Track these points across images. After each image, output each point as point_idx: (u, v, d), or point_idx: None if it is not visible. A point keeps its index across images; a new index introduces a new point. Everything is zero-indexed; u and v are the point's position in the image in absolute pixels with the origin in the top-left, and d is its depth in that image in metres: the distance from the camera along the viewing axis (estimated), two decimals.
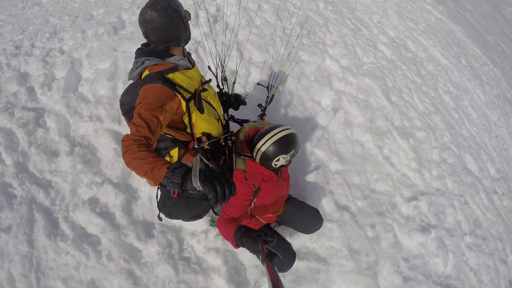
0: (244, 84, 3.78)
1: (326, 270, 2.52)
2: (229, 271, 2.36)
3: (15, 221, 2.19)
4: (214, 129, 1.97)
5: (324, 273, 2.50)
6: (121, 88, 3.29)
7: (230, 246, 2.48)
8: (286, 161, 1.88)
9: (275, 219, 2.33)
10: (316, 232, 2.68)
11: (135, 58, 1.73)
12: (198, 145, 1.88)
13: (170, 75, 1.65)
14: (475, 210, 3.51)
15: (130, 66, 3.43)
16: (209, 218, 2.60)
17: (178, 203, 1.99)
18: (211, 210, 2.49)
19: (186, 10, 1.74)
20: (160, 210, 2.10)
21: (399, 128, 3.84)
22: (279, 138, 1.80)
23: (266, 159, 1.84)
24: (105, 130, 2.93)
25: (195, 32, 3.91)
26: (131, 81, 1.84)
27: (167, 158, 1.93)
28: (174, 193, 1.89)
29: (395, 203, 3.18)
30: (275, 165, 1.87)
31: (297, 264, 2.47)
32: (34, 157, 2.62)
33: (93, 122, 2.97)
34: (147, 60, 1.66)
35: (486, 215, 3.54)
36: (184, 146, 1.89)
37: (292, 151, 1.85)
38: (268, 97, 2.71)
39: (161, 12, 1.59)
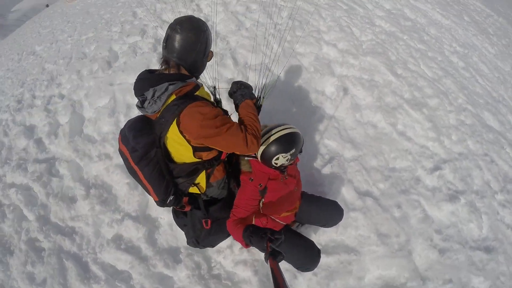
0: None
1: (358, 260, 2.47)
2: (260, 279, 2.35)
3: (48, 273, 2.28)
4: None
5: (356, 263, 2.45)
6: (123, 121, 3.34)
7: (257, 256, 2.47)
8: (286, 160, 1.83)
9: (293, 218, 2.28)
10: (340, 223, 2.63)
11: (150, 86, 1.54)
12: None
13: (198, 93, 1.62)
14: (503, 166, 3.32)
15: (128, 97, 3.57)
16: None
17: (210, 231, 1.94)
18: None
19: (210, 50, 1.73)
20: (195, 247, 2.07)
21: (410, 100, 3.66)
22: (278, 136, 1.79)
23: (266, 158, 1.83)
24: (115, 167, 2.97)
25: None
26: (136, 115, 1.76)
27: (193, 189, 1.83)
28: (207, 225, 1.88)
29: (418, 177, 3.05)
30: (276, 163, 1.84)
31: (327, 259, 2.45)
32: (53, 208, 2.71)
33: (103, 161, 3.02)
34: (171, 85, 1.52)
35: None
36: (209, 165, 1.77)
37: (293, 150, 1.82)
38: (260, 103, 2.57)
39: (198, 33, 1.58)
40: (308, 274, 2.37)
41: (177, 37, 1.55)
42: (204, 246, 2.10)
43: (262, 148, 1.82)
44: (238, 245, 2.53)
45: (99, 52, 4.28)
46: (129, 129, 1.67)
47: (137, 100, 1.61)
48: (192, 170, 1.72)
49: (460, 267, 2.50)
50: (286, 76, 3.84)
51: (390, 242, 2.54)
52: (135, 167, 1.62)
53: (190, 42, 1.56)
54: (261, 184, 1.86)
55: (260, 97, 2.42)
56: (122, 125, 3.29)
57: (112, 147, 3.10)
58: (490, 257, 2.60)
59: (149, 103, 1.54)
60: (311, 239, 2.42)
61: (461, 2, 7.71)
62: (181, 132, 1.55)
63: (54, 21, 6.92)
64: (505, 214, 2.90)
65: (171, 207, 2.03)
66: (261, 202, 1.93)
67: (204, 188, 1.83)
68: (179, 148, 1.64)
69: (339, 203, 2.37)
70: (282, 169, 1.92)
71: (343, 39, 4.38)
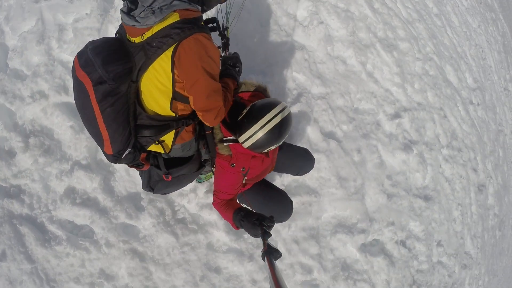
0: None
1: (318, 201, 2.66)
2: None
3: (5, 244, 2.04)
4: None
5: (316, 205, 2.65)
6: (56, 48, 2.61)
7: None
8: (278, 145, 1.62)
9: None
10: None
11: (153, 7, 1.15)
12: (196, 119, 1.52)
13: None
14: (453, 123, 3.63)
15: (60, 16, 2.70)
16: None
17: (169, 183, 1.75)
18: None
19: None
20: (149, 191, 1.86)
21: (383, 39, 3.48)
22: (274, 126, 1.49)
23: (257, 148, 1.57)
24: (54, 107, 2.43)
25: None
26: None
27: (155, 146, 1.54)
28: (167, 178, 1.66)
29: (378, 121, 3.17)
30: (268, 150, 1.64)
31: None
32: None
33: (38, 101, 2.43)
34: (177, 0, 1.17)
35: (462, 126, 3.68)
36: (182, 124, 1.48)
37: (286, 136, 1.60)
38: (224, 34, 2.10)
39: None
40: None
41: None
42: (157, 193, 1.90)
43: (253, 139, 1.52)
44: (202, 189, 2.48)
45: None
46: (96, 51, 1.23)
47: (123, 2, 1.19)
48: (162, 126, 1.43)
49: (402, 212, 2.91)
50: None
51: (348, 185, 2.75)
52: (95, 106, 1.23)
53: None
54: (244, 167, 1.68)
55: (226, 27, 2.06)
56: (55, 53, 2.64)
57: (46, 83, 2.47)
58: (427, 205, 3.05)
59: (143, 10, 1.14)
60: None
61: None
62: (172, 65, 1.21)
63: None
64: (446, 168, 3.29)
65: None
66: (244, 180, 1.78)
67: (169, 148, 1.55)
68: (156, 91, 1.31)
69: (306, 145, 2.35)
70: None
71: None
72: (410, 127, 3.23)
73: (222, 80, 1.61)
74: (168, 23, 1.17)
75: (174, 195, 2.45)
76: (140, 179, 2.10)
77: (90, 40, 1.37)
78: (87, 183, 2.30)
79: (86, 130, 1.75)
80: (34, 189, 2.24)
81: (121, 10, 1.22)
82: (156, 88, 1.30)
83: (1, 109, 2.42)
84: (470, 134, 3.82)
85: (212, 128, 1.66)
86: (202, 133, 1.65)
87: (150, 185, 1.74)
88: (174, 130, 1.46)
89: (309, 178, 2.73)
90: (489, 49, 5.87)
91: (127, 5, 1.19)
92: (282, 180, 2.68)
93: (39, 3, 2.69)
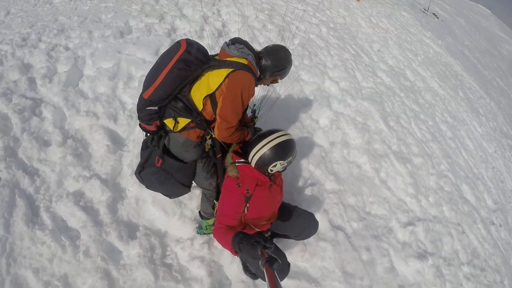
0: None
1: None
2: (213, 284, 2.20)
3: None
4: None
5: None
6: (121, 88, 3.28)
7: (216, 257, 2.35)
8: (282, 168, 1.83)
9: (269, 226, 2.21)
10: (307, 250, 2.57)
11: (244, 44, 1.89)
12: (210, 129, 1.92)
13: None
14: (473, 240, 3.42)
15: (132, 69, 3.57)
16: (196, 225, 2.48)
17: (156, 174, 1.95)
18: (199, 213, 2.41)
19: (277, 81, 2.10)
20: (137, 172, 2.01)
21: (397, 152, 3.83)
22: (278, 143, 1.76)
23: (263, 163, 1.79)
24: (100, 127, 2.87)
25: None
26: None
27: (169, 121, 1.87)
28: (158, 162, 1.91)
29: (391, 227, 3.10)
30: (271, 170, 1.81)
31: (287, 282, 2.35)
32: (25, 143, 2.53)
33: (89, 117, 2.92)
34: (250, 56, 1.85)
35: (484, 245, 3.43)
36: (198, 122, 1.87)
37: (290, 158, 1.81)
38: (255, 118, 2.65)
39: (290, 58, 2.01)
40: None
41: (274, 46, 2.01)
42: (142, 180, 2.04)
43: (259, 154, 1.78)
44: (200, 240, 2.40)
45: (115, 22, 4.31)
46: (198, 44, 1.84)
47: (230, 40, 1.92)
48: (188, 108, 1.83)
49: None
50: (287, 97, 3.98)
51: (353, 282, 2.48)
52: (172, 61, 1.73)
53: (276, 55, 1.95)
54: (249, 190, 1.82)
55: (255, 116, 2.57)
56: (119, 91, 3.27)
57: (103, 108, 3.01)
58: None
59: (236, 47, 1.85)
60: None
61: (458, 77, 8.33)
62: (225, 78, 1.75)
63: None
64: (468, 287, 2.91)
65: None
66: (246, 208, 1.87)
67: (178, 129, 1.86)
68: (204, 85, 1.80)
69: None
70: (271, 176, 1.91)
71: (345, 79, 4.65)
72: (425, 237, 3.07)
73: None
74: (240, 61, 1.80)
75: (171, 239, 2.39)
76: (146, 212, 2.45)
77: None
78: (97, 194, 2.38)
79: (118, 152, 2.62)
80: (49, 178, 2.38)
81: (225, 42, 1.91)
82: (207, 83, 1.80)
83: (58, 110, 2.89)
84: (494, 255, 3.43)
85: (224, 153, 1.98)
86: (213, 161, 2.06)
87: (144, 165, 1.96)
88: (190, 120, 1.85)
89: (311, 266, 2.54)
90: (508, 173, 5.77)
91: (230, 43, 1.90)
92: None
93: (120, 53, 3.58)
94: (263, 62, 1.94)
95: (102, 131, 2.81)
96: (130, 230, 2.32)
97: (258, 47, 4.54)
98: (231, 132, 1.86)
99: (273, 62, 1.94)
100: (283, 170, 1.91)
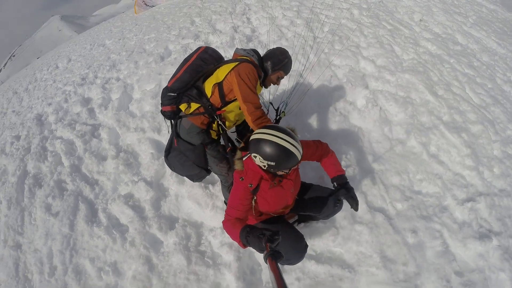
0: (270, 90, 3.87)
1: (352, 279, 2.23)
2: (241, 268, 2.31)
3: (63, 208, 2.61)
4: (235, 119, 2.35)
5: (348, 282, 2.22)
6: None
7: None
8: (262, 164, 1.68)
9: (288, 211, 2.20)
10: (341, 234, 2.44)
11: (252, 50, 2.29)
12: (217, 116, 2.20)
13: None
14: None
15: None
16: None
17: (177, 156, 2.35)
18: (224, 203, 2.60)
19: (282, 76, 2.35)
20: (165, 157, 2.45)
21: (448, 122, 3.33)
22: (276, 142, 1.58)
23: (251, 147, 1.68)
24: (146, 139, 3.34)
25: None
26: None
27: (183, 105, 2.24)
28: (175, 142, 2.30)
29: (446, 206, 2.69)
30: (254, 156, 1.69)
31: (316, 267, 2.29)
32: (87, 161, 3.15)
33: (138, 132, 3.44)
34: (253, 57, 2.24)
35: None
36: (207, 109, 2.18)
37: (273, 163, 1.63)
38: (277, 115, 2.77)
39: (287, 54, 2.30)
40: (290, 277, 2.24)
41: (272, 48, 2.35)
42: (170, 164, 2.46)
43: (256, 136, 1.67)
44: None
45: (157, 49, 4.96)
46: (213, 49, 2.32)
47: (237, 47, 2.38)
48: (200, 94, 2.19)
49: None
50: (318, 85, 3.88)
51: (394, 268, 2.25)
52: (193, 57, 2.21)
53: (273, 53, 2.28)
54: (252, 184, 1.78)
55: (282, 111, 2.73)
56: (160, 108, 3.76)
57: (148, 123, 3.50)
58: None
59: (244, 50, 2.28)
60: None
61: None
62: (231, 70, 2.08)
63: (124, 22, 8.26)
64: None
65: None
66: (253, 201, 1.85)
67: (189, 112, 2.21)
68: (215, 76, 2.16)
69: (348, 215, 2.23)
70: (272, 171, 1.77)
71: (382, 56, 4.28)
72: (489, 214, 2.58)
73: None
74: (246, 58, 2.20)
75: (205, 229, 2.61)
76: (185, 207, 2.77)
77: None
78: (143, 194, 2.79)
79: (161, 158, 3.06)
80: (106, 185, 2.90)
81: (237, 48, 2.32)
82: (216, 75, 2.17)
83: (112, 131, 3.48)
84: None
85: (233, 151, 2.20)
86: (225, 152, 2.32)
87: (169, 150, 2.41)
88: (200, 105, 2.17)
89: (346, 251, 2.41)
90: None
91: (241, 47, 2.36)
92: (312, 244, 2.45)
93: (160, 74, 4.08)
94: (265, 63, 2.27)
95: (148, 142, 3.28)
96: (170, 223, 2.64)
97: (285, 43, 4.68)
98: (262, 111, 2.11)
99: (272, 60, 2.25)
100: (265, 169, 1.73)
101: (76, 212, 2.66)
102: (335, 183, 2.09)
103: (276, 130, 1.63)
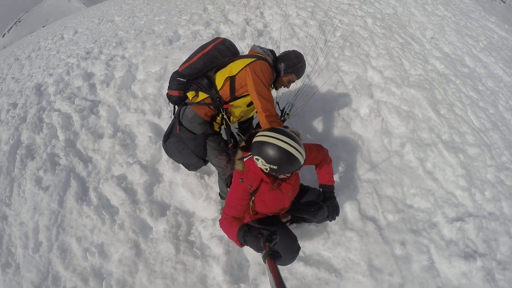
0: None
1: (338, 284, 2.25)
2: (229, 262, 2.31)
3: (53, 183, 2.55)
4: (240, 115, 2.34)
5: (334, 286, 2.24)
6: (166, 88, 3.63)
7: None
8: (264, 168, 1.64)
9: (283, 212, 2.21)
10: (331, 239, 2.47)
11: (261, 47, 2.29)
12: (224, 109, 2.18)
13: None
14: None
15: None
16: (220, 206, 2.63)
17: (176, 142, 2.32)
18: (219, 195, 2.57)
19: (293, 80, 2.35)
20: (163, 142, 2.40)
21: (447, 142, 3.38)
22: (279, 146, 1.54)
23: (254, 150, 1.63)
24: (145, 121, 3.29)
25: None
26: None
27: (190, 93, 2.23)
28: (177, 129, 2.27)
29: (435, 222, 2.74)
30: (256, 159, 1.65)
31: (304, 269, 2.31)
32: (82, 136, 3.08)
33: (137, 113, 3.37)
34: (269, 56, 2.23)
35: None
36: (214, 101, 2.16)
37: (275, 167, 1.59)
38: (282, 116, 2.78)
39: (302, 58, 2.31)
40: None
41: (287, 50, 2.36)
42: (167, 149, 2.43)
43: (259, 139, 1.62)
44: None
45: (166, 32, 4.87)
46: (231, 41, 2.29)
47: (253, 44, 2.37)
48: (210, 84, 2.18)
49: None
50: (324, 89, 3.88)
51: (380, 278, 2.29)
52: (209, 47, 2.18)
53: (287, 56, 2.28)
54: (252, 186, 1.76)
55: (286, 113, 2.73)
56: (165, 91, 3.69)
57: (149, 105, 3.44)
58: None
59: (261, 47, 2.27)
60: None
61: None
62: (246, 65, 2.09)
63: (136, 1, 8.01)
64: None
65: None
66: (251, 201, 1.85)
67: (195, 100, 2.20)
68: (228, 69, 2.16)
69: (339, 221, 2.25)
70: (273, 175, 1.73)
71: (390, 68, 4.30)
72: (476, 235, 2.64)
73: None
74: (262, 56, 2.18)
75: (197, 219, 2.59)
76: (178, 194, 2.73)
77: None
78: (137, 177, 2.75)
79: (159, 142, 2.99)
80: (99, 164, 2.84)
81: (254, 45, 2.31)
82: (230, 68, 2.15)
83: (112, 109, 3.42)
84: None
85: (235, 147, 2.20)
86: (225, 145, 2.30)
87: (169, 135, 2.37)
88: (208, 95, 2.15)
89: (334, 256, 2.43)
90: None
91: (257, 44, 2.33)
92: (302, 246, 2.45)
93: (167, 58, 4.01)
94: (278, 64, 2.26)
95: (147, 124, 3.22)
96: (161, 209, 2.60)
97: (297, 42, 4.66)
98: (275, 109, 2.13)
99: (285, 62, 2.25)
100: (267, 172, 1.69)
101: (67, 189, 2.60)
102: (321, 189, 2.18)
103: (280, 134, 1.59)
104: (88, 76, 4.00)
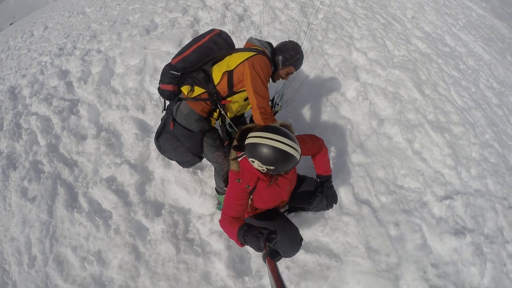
0: None
1: (338, 268, 2.32)
2: (231, 257, 2.31)
3: (40, 192, 2.42)
4: (237, 110, 2.27)
5: (335, 271, 2.30)
6: (147, 81, 3.52)
7: None
8: (261, 169, 1.60)
9: (281, 205, 2.22)
10: (328, 224, 2.52)
11: (258, 40, 2.22)
12: (220, 104, 2.11)
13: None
14: None
15: (158, 62, 3.80)
16: (216, 201, 2.60)
17: (170, 140, 2.21)
18: (215, 190, 2.53)
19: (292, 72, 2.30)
20: (155, 138, 2.28)
21: (433, 122, 3.46)
22: (274, 146, 1.50)
23: (248, 151, 1.59)
24: (129, 118, 3.14)
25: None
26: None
27: (185, 88, 2.12)
28: (171, 125, 2.15)
29: (425, 201, 2.85)
30: (252, 161, 1.61)
31: (305, 257, 2.35)
32: (65, 140, 2.91)
33: (120, 110, 3.21)
34: (267, 49, 2.17)
35: None
36: (211, 96, 2.08)
37: (272, 167, 1.55)
38: (273, 107, 2.72)
39: (299, 49, 2.23)
40: (280, 266, 2.28)
41: (284, 41, 2.29)
42: (160, 146, 2.30)
43: (252, 140, 1.57)
44: (219, 215, 2.50)
45: (141, 21, 4.60)
46: (228, 34, 2.20)
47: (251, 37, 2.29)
48: (206, 79, 2.08)
49: None
50: (310, 73, 3.84)
51: (378, 259, 2.37)
52: (205, 39, 2.09)
53: (285, 48, 2.21)
54: (249, 185, 1.74)
55: (276, 104, 2.66)
56: (146, 84, 3.53)
57: (132, 101, 3.27)
58: None
59: (258, 40, 2.20)
60: None
61: (506, 41, 7.19)
62: (245, 60, 2.02)
63: None
64: None
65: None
66: (250, 200, 1.84)
67: (191, 96, 2.09)
68: (225, 63, 2.07)
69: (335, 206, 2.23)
70: (270, 174, 1.69)
71: (374, 49, 4.30)
72: (464, 212, 2.77)
73: None
74: (260, 50, 2.12)
75: (193, 216, 2.55)
76: (171, 192, 2.63)
77: None
78: (127, 177, 2.64)
79: (145, 139, 2.88)
80: (86, 167, 2.70)
81: (251, 37, 2.23)
82: (227, 62, 2.07)
83: (92, 108, 3.24)
84: None
85: (230, 145, 2.04)
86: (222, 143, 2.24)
87: (161, 131, 2.25)
88: (204, 90, 2.06)
89: (332, 241, 2.49)
90: None
91: (254, 37, 2.24)
92: (301, 233, 2.49)
93: (146, 49, 3.82)
94: (276, 57, 2.20)
95: (131, 121, 3.08)
96: (156, 209, 2.54)
97: (279, 26, 4.54)
98: (270, 107, 2.07)
99: (283, 55, 2.19)
100: (263, 172, 1.65)
101: (55, 197, 2.47)
102: (319, 180, 2.18)
103: (273, 133, 1.54)
104: (64, 74, 3.74)
